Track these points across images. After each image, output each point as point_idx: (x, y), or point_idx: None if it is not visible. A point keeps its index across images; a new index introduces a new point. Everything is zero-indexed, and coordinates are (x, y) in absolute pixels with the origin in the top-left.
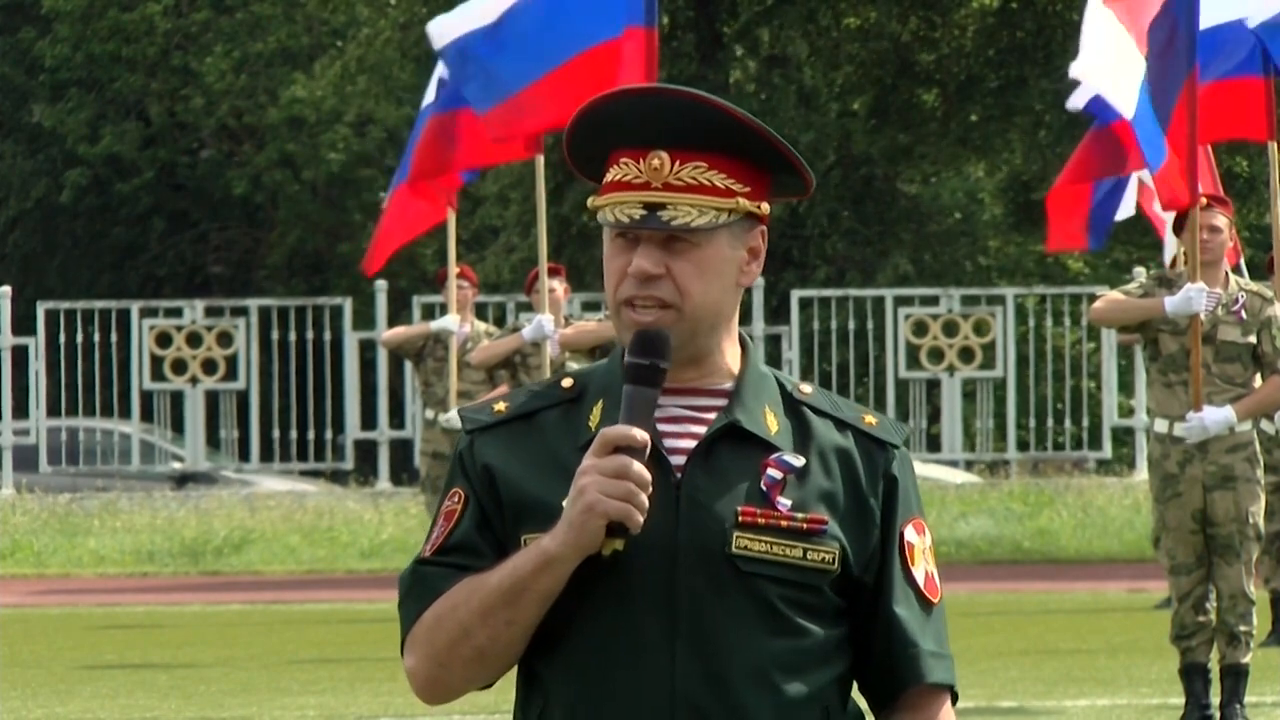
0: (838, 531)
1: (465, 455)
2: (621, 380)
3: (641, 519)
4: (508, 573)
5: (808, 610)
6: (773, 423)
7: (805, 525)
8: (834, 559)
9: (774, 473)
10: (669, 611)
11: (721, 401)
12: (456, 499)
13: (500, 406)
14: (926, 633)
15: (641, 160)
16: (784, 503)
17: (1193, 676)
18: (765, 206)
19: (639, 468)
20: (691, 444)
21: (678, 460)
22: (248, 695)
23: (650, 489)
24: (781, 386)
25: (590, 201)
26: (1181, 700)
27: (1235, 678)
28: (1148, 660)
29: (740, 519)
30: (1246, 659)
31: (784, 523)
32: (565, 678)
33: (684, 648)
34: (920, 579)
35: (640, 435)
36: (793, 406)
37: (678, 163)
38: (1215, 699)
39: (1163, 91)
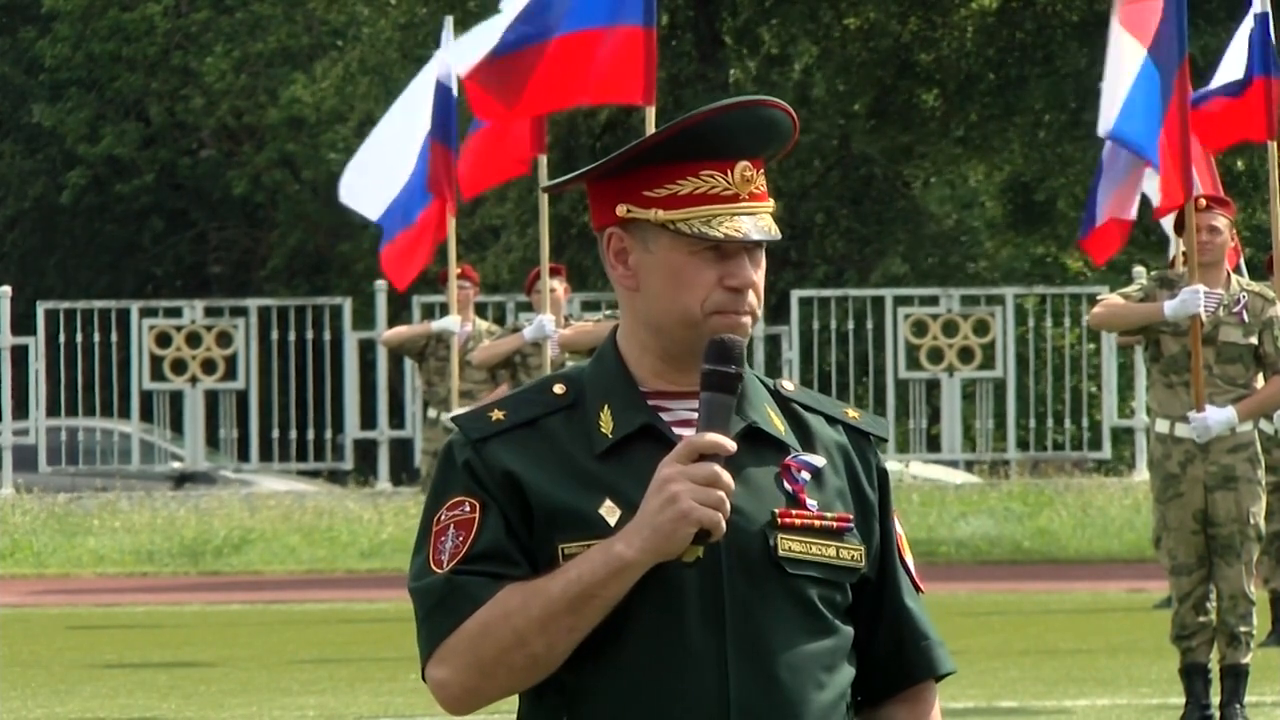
0: (856, 529)
1: (474, 462)
2: (623, 385)
3: (725, 527)
4: (573, 579)
5: (836, 609)
6: (778, 422)
7: (835, 524)
8: (862, 556)
9: (799, 472)
10: (718, 615)
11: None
12: (469, 507)
13: (498, 415)
14: (930, 624)
15: (730, 171)
16: (811, 503)
17: (1193, 676)
18: None
19: (727, 476)
20: None
21: None
22: (248, 695)
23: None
24: (766, 385)
25: (659, 214)
26: (1181, 700)
27: (1235, 678)
28: (1148, 660)
29: (779, 520)
30: (1247, 659)
31: (817, 523)
32: (607, 687)
33: (734, 652)
34: (913, 569)
35: (729, 444)
36: (784, 405)
37: (756, 171)
38: (1215, 699)
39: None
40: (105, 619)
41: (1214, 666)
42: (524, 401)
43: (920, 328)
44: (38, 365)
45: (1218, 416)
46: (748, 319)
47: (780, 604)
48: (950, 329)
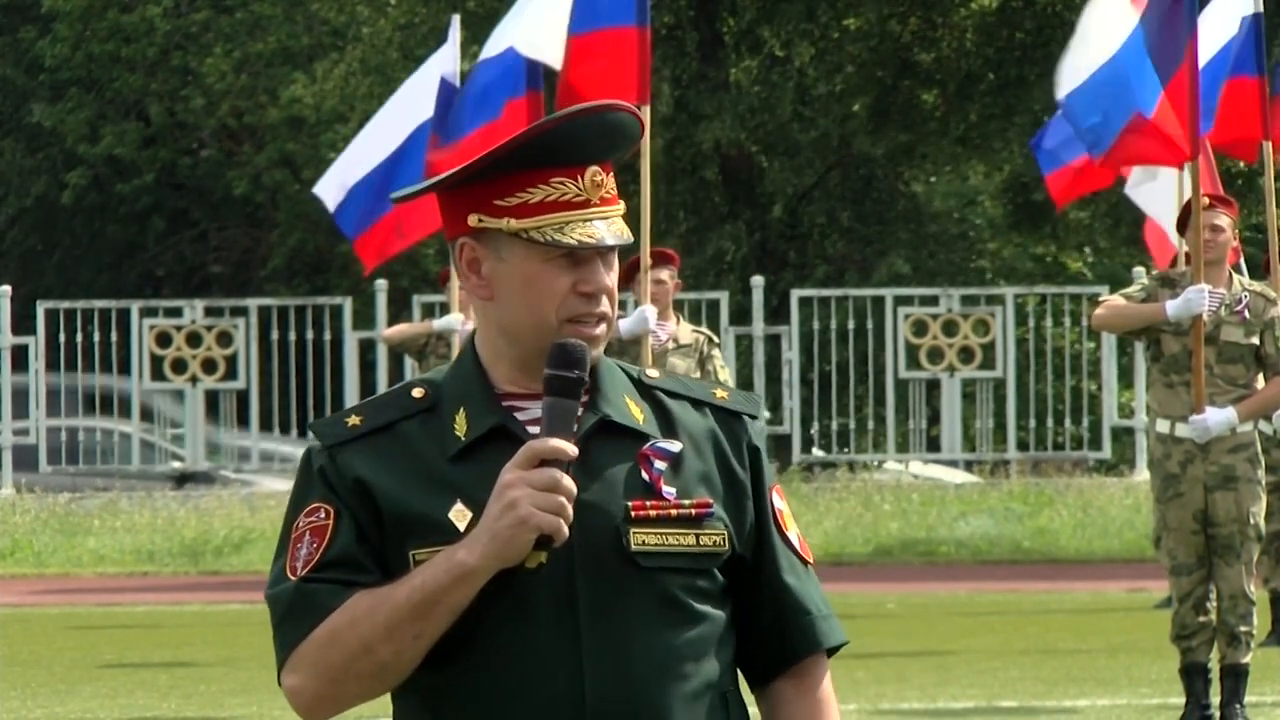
0: (721, 512)
1: (327, 469)
2: (479, 388)
3: (568, 532)
4: (417, 586)
5: (703, 595)
6: (637, 412)
7: (694, 511)
8: (724, 540)
9: (655, 461)
10: (571, 614)
11: (583, 398)
12: (323, 514)
13: (354, 420)
14: (814, 597)
15: (580, 177)
16: (669, 491)
17: (1193, 676)
18: None
19: (568, 481)
20: None
21: None
22: (248, 695)
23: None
24: (628, 374)
25: (511, 224)
26: (1181, 700)
27: (1235, 678)
28: (1148, 660)
29: (632, 514)
30: (1247, 659)
31: (674, 511)
32: (464, 689)
33: (589, 651)
34: (795, 542)
35: (570, 449)
36: (646, 393)
37: (604, 175)
38: (1215, 699)
39: (1166, 48)
40: (105, 619)
41: (1214, 666)
42: (382, 406)
43: (920, 328)
44: (38, 365)
45: (1218, 417)
46: (603, 326)
47: (637, 599)
48: (950, 329)
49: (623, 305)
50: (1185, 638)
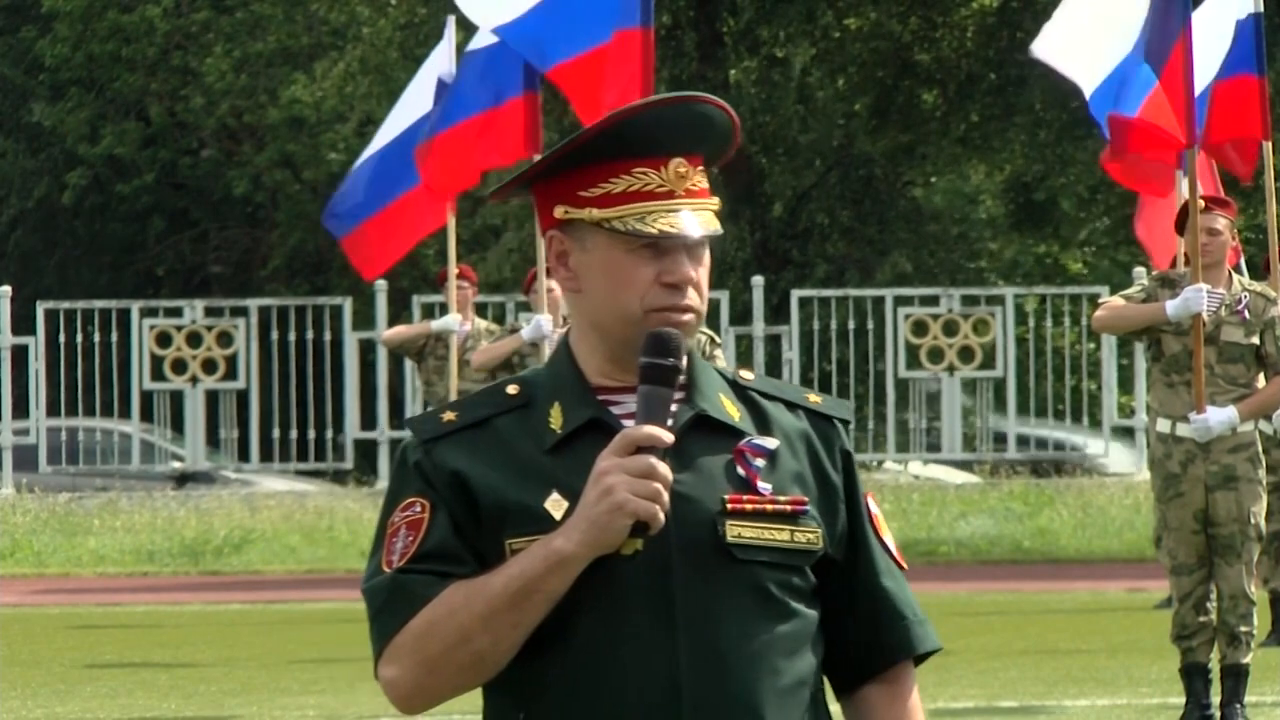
0: (815, 511)
1: (423, 463)
2: (573, 382)
3: (663, 518)
4: (514, 575)
5: (796, 593)
6: (733, 410)
7: (789, 507)
8: (819, 538)
9: (752, 457)
10: (667, 605)
11: (678, 395)
12: (420, 507)
13: (449, 416)
14: (911, 602)
15: (664, 168)
16: (765, 487)
17: (1193, 676)
18: None
19: (664, 468)
20: None
21: None
22: (248, 695)
23: (671, 488)
24: (723, 375)
25: (594, 214)
26: (1181, 700)
27: (1235, 678)
28: (1148, 660)
29: (728, 507)
30: (1247, 659)
31: (769, 506)
32: (560, 679)
33: (684, 641)
34: (892, 547)
35: (666, 435)
36: (741, 393)
37: (691, 168)
38: (1215, 699)
39: (1160, 36)
40: (105, 619)
41: (1214, 666)
42: (477, 403)
43: (920, 328)
44: (38, 365)
45: (1219, 416)
46: (689, 316)
47: (732, 591)
48: (950, 329)
49: None
50: (1185, 638)
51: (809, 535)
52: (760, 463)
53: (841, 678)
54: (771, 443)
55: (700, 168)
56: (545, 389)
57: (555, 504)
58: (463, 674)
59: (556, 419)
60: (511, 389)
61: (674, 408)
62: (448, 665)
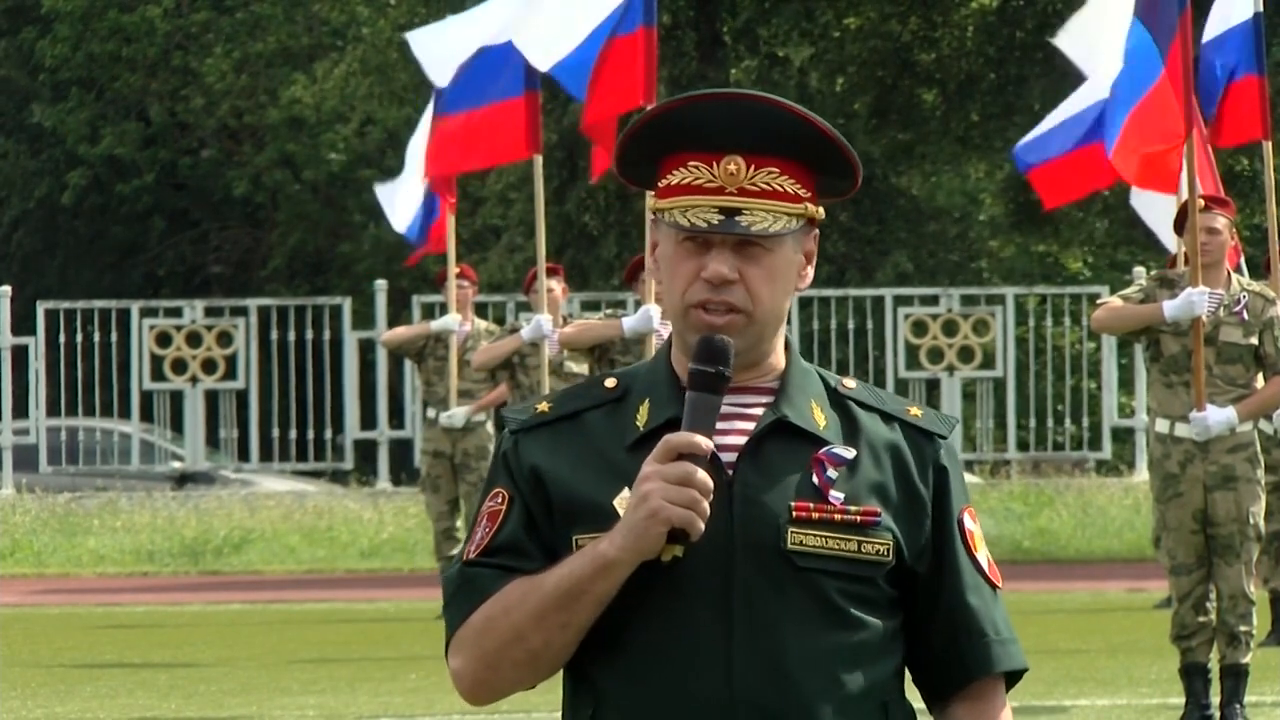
0: (890, 523)
1: (510, 455)
2: (665, 379)
3: (703, 526)
4: (564, 575)
5: (864, 602)
6: (820, 418)
7: (859, 518)
8: (888, 550)
9: (828, 466)
10: (725, 610)
11: (768, 399)
12: (500, 499)
13: (543, 407)
14: (996, 620)
15: (716, 164)
16: (836, 496)
17: (1193, 676)
18: (822, 210)
19: (703, 475)
20: (741, 441)
21: (728, 457)
22: (248, 695)
23: (712, 496)
24: (825, 382)
25: (653, 202)
26: (1181, 700)
27: (1235, 678)
28: (1148, 660)
29: (794, 514)
30: (1246, 659)
31: (838, 516)
32: (620, 679)
33: (742, 645)
34: (985, 565)
35: (704, 443)
36: (838, 401)
37: (752, 168)
38: (1215, 699)
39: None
40: (105, 619)
41: (1214, 666)
42: (573, 395)
43: (920, 328)
44: (38, 365)
45: (1218, 416)
46: (730, 316)
47: (793, 599)
48: (950, 329)
49: (624, 305)
50: (1185, 638)
51: (879, 547)
52: (834, 472)
53: (929, 691)
54: (849, 452)
55: (764, 168)
56: (640, 384)
57: (624, 502)
58: (518, 670)
59: (643, 416)
60: (609, 382)
61: (759, 411)
62: (504, 661)
